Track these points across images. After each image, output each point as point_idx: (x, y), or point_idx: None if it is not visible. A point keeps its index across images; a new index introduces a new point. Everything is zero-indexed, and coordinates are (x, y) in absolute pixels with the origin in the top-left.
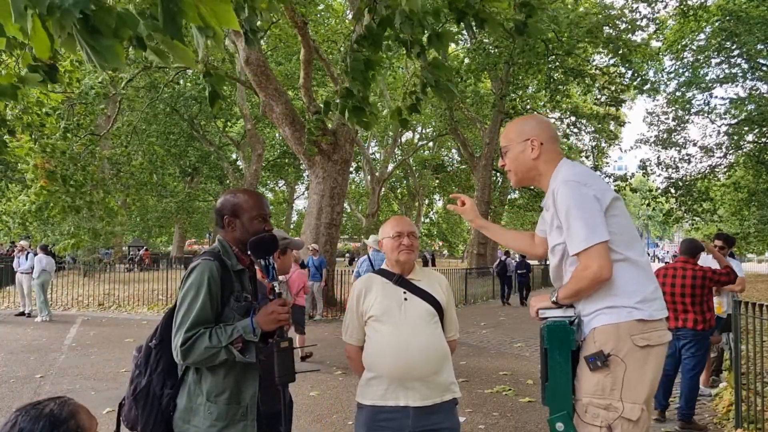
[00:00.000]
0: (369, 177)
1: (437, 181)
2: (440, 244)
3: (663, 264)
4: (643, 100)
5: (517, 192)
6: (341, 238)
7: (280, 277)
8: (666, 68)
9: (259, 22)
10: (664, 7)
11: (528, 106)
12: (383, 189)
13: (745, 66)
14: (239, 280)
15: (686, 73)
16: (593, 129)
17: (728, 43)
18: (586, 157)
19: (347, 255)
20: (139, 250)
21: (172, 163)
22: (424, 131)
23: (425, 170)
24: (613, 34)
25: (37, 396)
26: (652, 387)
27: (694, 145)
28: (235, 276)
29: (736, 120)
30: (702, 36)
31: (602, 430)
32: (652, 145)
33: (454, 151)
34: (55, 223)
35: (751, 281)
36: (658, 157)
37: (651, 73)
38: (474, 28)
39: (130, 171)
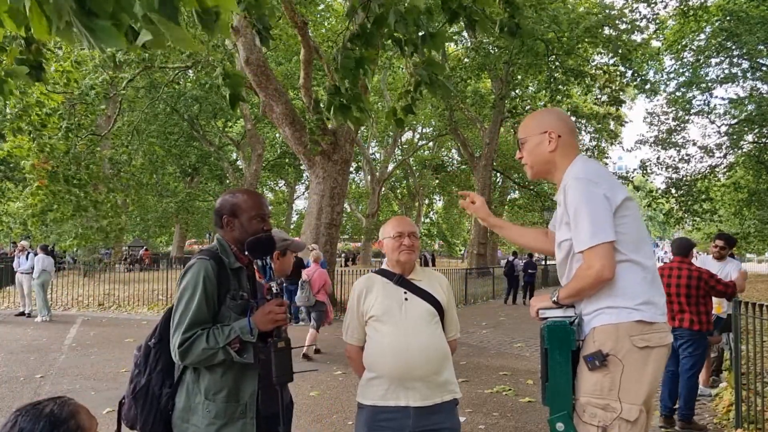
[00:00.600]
0: (369, 177)
1: (437, 181)
2: (440, 243)
3: (661, 264)
4: (643, 100)
5: (517, 192)
6: (341, 239)
7: (303, 276)
8: (666, 68)
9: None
10: (664, 7)
11: (528, 106)
12: (383, 189)
13: (746, 66)
14: (237, 278)
15: (686, 73)
16: (593, 129)
17: (728, 43)
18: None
19: (343, 255)
20: (139, 250)
21: (172, 163)
22: (424, 131)
23: (425, 170)
24: (613, 34)
25: (37, 396)
26: (651, 388)
27: (694, 144)
28: (232, 274)
29: (735, 120)
30: (702, 36)
31: (599, 430)
32: (652, 145)
33: (454, 151)
34: (56, 223)
35: (751, 281)
36: (658, 157)
37: (651, 73)
38: (466, 28)
39: (131, 171)
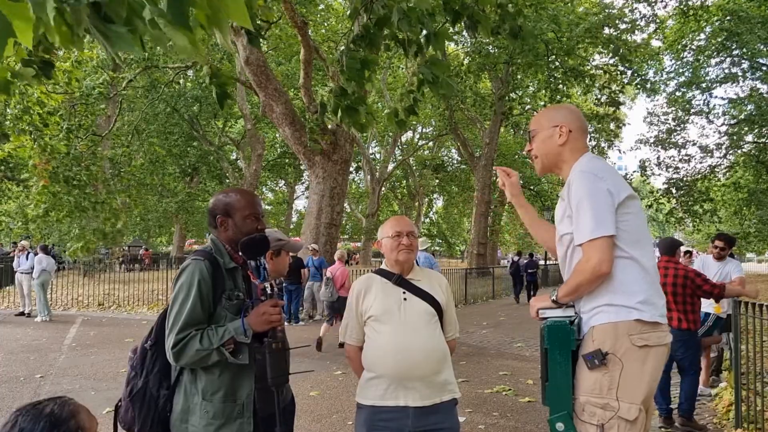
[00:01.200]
0: (369, 177)
1: (437, 181)
2: (439, 242)
3: None
4: (643, 99)
5: None
6: (341, 239)
7: (327, 273)
8: (666, 68)
9: (258, 21)
10: (664, 7)
11: (528, 106)
12: (383, 189)
13: (746, 66)
14: (232, 278)
15: (686, 73)
16: (593, 129)
17: (729, 42)
18: None
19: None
20: (138, 250)
21: (172, 163)
22: (424, 131)
23: (425, 170)
24: (614, 34)
25: (37, 396)
26: (650, 388)
27: (694, 144)
28: (227, 274)
29: (735, 120)
30: (702, 36)
31: (598, 428)
32: (652, 145)
33: (454, 151)
34: (58, 224)
35: (751, 281)
36: (658, 157)
37: (651, 73)
38: (467, 29)
39: (131, 171)
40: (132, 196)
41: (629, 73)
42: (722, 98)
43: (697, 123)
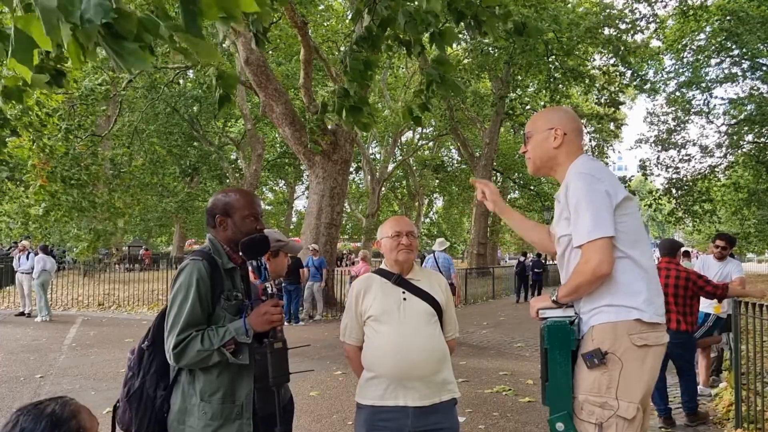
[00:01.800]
0: (369, 177)
1: (437, 181)
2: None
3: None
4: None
5: (517, 192)
6: (341, 239)
7: (352, 272)
8: (666, 68)
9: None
10: (664, 7)
11: (528, 106)
12: (383, 189)
13: (746, 66)
14: (230, 278)
15: (686, 73)
16: (593, 129)
17: (729, 42)
18: None
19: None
20: (138, 250)
21: (172, 163)
22: (424, 131)
23: (425, 170)
24: (614, 34)
25: (37, 396)
26: (648, 387)
27: (694, 144)
28: (226, 274)
29: (735, 120)
30: (702, 36)
31: (596, 427)
32: (652, 145)
33: (454, 151)
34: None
35: (751, 281)
36: (658, 157)
37: (651, 73)
38: (472, 28)
39: (131, 172)
40: (134, 195)
41: (629, 73)
42: (722, 98)
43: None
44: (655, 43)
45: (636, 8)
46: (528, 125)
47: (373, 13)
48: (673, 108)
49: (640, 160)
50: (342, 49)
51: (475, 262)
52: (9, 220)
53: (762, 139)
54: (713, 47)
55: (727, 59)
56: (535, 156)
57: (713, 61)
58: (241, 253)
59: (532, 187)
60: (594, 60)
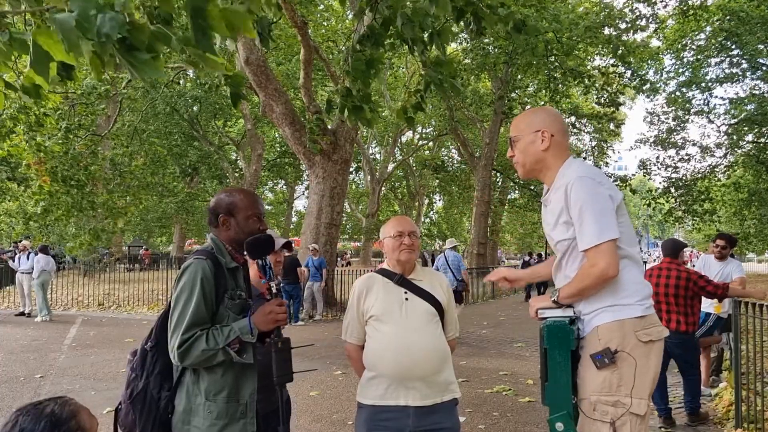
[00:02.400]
0: (369, 177)
1: (437, 181)
2: (440, 244)
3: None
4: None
5: (517, 192)
6: (341, 238)
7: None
8: (666, 68)
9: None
10: (664, 7)
11: (528, 106)
12: (383, 189)
13: (746, 65)
14: (233, 277)
15: (686, 73)
16: (593, 129)
17: (729, 42)
18: (585, 158)
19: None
20: (138, 250)
21: (172, 163)
22: (424, 131)
23: (425, 170)
24: (614, 34)
25: (37, 396)
26: (654, 382)
27: (694, 144)
28: (229, 274)
29: (735, 120)
30: (702, 36)
31: (610, 426)
32: (652, 145)
33: (454, 151)
34: (58, 224)
35: (751, 281)
36: (658, 157)
37: (651, 73)
38: (472, 25)
39: (132, 172)
40: (134, 195)
41: (628, 73)
42: (722, 98)
43: (697, 123)
44: (655, 43)
45: (636, 8)
46: (512, 129)
47: (375, 12)
48: (673, 108)
49: (640, 160)
50: (342, 48)
51: (475, 262)
52: (9, 219)
53: (762, 139)
54: (713, 47)
55: (727, 59)
56: (524, 160)
57: (713, 61)
58: (245, 253)
59: (531, 187)
60: (594, 60)
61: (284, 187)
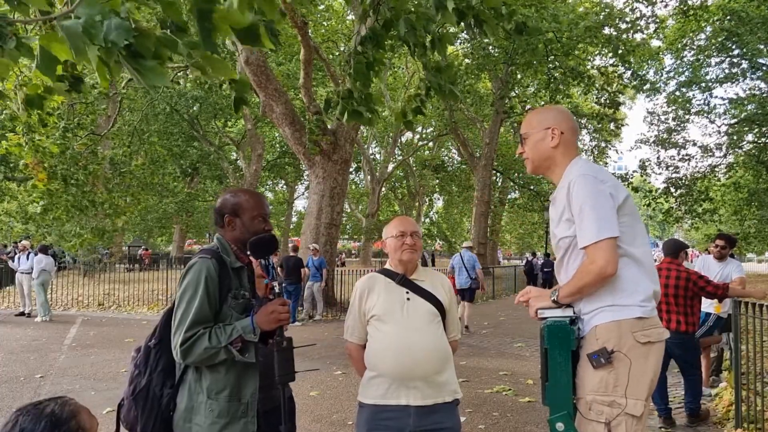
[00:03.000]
0: (369, 177)
1: (437, 181)
2: (441, 244)
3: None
4: (643, 99)
5: (517, 192)
6: (341, 238)
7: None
8: (666, 67)
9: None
10: (665, 7)
11: (528, 106)
12: (383, 189)
13: (746, 65)
14: (237, 277)
15: (686, 73)
16: (593, 129)
17: (729, 42)
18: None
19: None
20: (137, 250)
21: (172, 163)
22: (424, 131)
23: (425, 170)
24: (614, 34)
25: (37, 396)
26: (652, 384)
27: (694, 144)
28: (233, 273)
29: (736, 120)
30: (702, 36)
31: (605, 426)
32: (652, 145)
33: (454, 151)
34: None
35: (751, 281)
36: (658, 157)
37: (651, 73)
38: (473, 28)
39: (132, 171)
40: (134, 195)
41: (628, 73)
42: (722, 98)
43: (697, 123)
44: (655, 43)
45: (636, 7)
46: (523, 126)
47: (377, 14)
48: (673, 107)
49: (641, 160)
50: (342, 48)
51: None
52: (8, 219)
53: (762, 139)
54: (713, 47)
55: (727, 59)
56: (533, 156)
57: (713, 61)
58: (249, 253)
59: (531, 187)
60: (594, 60)
61: (284, 187)
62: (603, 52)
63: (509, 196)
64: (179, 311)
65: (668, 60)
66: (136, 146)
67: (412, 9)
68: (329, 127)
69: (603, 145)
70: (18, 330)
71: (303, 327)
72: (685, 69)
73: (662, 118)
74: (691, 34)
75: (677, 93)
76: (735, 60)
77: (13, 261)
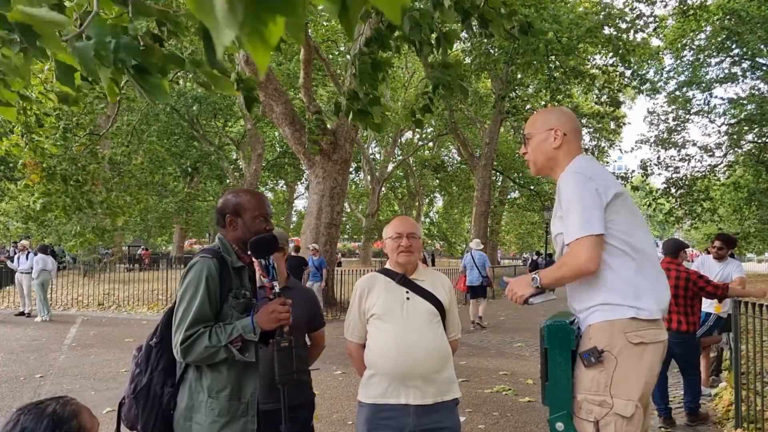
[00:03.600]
0: (369, 177)
1: (437, 181)
2: (441, 244)
3: None
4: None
5: (517, 192)
6: (341, 238)
7: None
8: (666, 67)
9: None
10: (665, 6)
11: (528, 106)
12: (383, 189)
13: (746, 65)
14: (239, 277)
15: (686, 73)
16: (593, 129)
17: (729, 42)
18: None
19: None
20: (137, 250)
21: (172, 163)
22: (424, 131)
23: (425, 170)
24: (614, 33)
25: (37, 396)
26: (647, 385)
27: (694, 144)
28: (234, 273)
29: (735, 120)
30: (702, 35)
31: (594, 425)
32: (653, 145)
33: (454, 151)
34: (57, 224)
35: (751, 281)
36: (658, 157)
37: (651, 72)
38: (478, 28)
39: (131, 171)
40: (133, 195)
41: (628, 73)
42: (722, 98)
43: (697, 122)
44: (655, 43)
45: (636, 7)
46: (527, 127)
47: (382, 14)
48: (673, 107)
49: (641, 161)
50: (342, 48)
51: None
52: (7, 219)
53: (762, 139)
54: (713, 46)
55: (727, 59)
56: (536, 157)
57: (713, 61)
58: (249, 252)
59: (531, 187)
60: (594, 59)
61: (284, 187)
62: (603, 52)
63: (509, 196)
64: (180, 310)
65: (668, 60)
66: (135, 146)
67: (416, 8)
68: (329, 126)
69: (603, 144)
70: (18, 330)
71: None
72: (685, 69)
73: (662, 117)
74: (691, 34)
75: (677, 93)
76: (735, 59)
77: (12, 261)
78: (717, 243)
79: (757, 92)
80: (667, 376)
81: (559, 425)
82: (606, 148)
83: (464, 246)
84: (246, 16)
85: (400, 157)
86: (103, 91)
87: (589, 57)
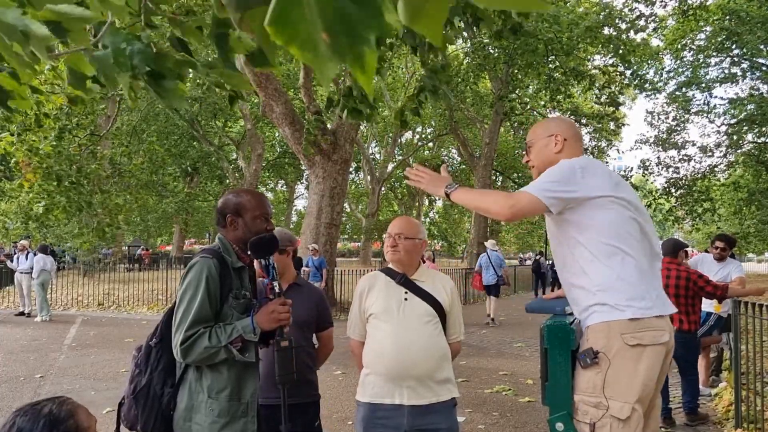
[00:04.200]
0: (369, 177)
1: None
2: (441, 244)
3: None
4: (643, 99)
5: None
6: (341, 238)
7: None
8: (666, 67)
9: None
10: (664, 7)
11: (528, 106)
12: (383, 189)
13: (746, 65)
14: (239, 277)
15: (686, 73)
16: (593, 129)
17: (729, 42)
18: None
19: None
20: (137, 250)
21: (172, 163)
22: (424, 131)
23: None
24: (614, 33)
25: (37, 396)
26: (645, 387)
27: (694, 145)
28: (234, 273)
29: (735, 120)
30: (702, 36)
31: (589, 427)
32: (653, 145)
33: (454, 151)
34: (57, 224)
35: (751, 281)
36: (658, 157)
37: (651, 72)
38: (470, 24)
39: (131, 171)
40: (133, 195)
41: (628, 73)
42: (722, 98)
43: (697, 123)
44: (654, 43)
45: (636, 7)
46: (529, 135)
47: None
48: (673, 107)
49: (641, 161)
50: None
51: (475, 261)
52: (6, 220)
53: (762, 139)
54: (713, 47)
55: (727, 59)
56: (539, 163)
57: (713, 61)
58: (249, 252)
59: None
60: (594, 60)
61: (284, 187)
62: (603, 52)
63: None
64: (180, 310)
65: (668, 60)
66: (135, 146)
67: None
68: (329, 127)
69: (603, 145)
70: (18, 330)
71: None
72: (684, 69)
73: (662, 118)
74: (690, 34)
75: (677, 93)
76: (735, 60)
77: (12, 261)
78: (719, 244)
79: (756, 92)
80: (667, 376)
81: (559, 425)
82: (605, 149)
83: (464, 246)
84: (347, 44)
85: (400, 157)
86: (104, 92)
87: (589, 57)
